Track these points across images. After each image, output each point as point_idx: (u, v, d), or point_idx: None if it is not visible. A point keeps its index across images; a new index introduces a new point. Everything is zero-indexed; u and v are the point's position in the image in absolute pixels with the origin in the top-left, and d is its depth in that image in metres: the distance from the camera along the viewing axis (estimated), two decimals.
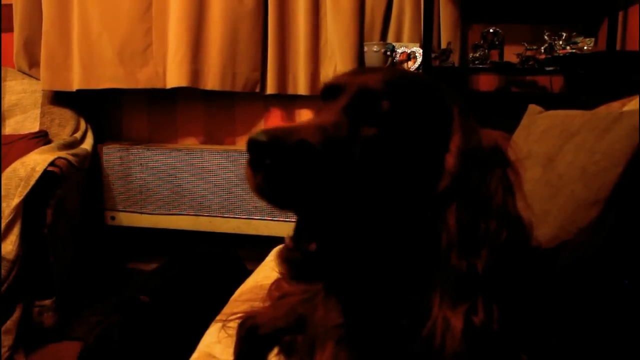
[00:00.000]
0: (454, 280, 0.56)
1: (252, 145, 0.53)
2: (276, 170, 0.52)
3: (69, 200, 2.32)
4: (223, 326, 1.10)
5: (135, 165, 2.60)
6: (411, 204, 0.58)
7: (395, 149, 0.57)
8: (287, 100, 2.66)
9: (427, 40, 2.14)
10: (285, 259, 0.58)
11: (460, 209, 0.57)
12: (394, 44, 2.41)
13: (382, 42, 2.46)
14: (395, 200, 0.58)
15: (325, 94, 0.65)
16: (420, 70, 2.30)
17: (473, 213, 0.57)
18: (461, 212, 0.57)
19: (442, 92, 0.64)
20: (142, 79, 2.59)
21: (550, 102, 1.47)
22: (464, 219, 0.57)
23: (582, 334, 0.70)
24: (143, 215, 2.60)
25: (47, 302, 2.16)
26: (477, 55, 2.23)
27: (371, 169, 0.56)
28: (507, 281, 0.57)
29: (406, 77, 0.64)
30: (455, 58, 2.35)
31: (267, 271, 1.38)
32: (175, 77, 2.51)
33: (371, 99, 0.59)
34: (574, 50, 2.07)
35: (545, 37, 2.12)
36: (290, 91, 2.56)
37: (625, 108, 1.20)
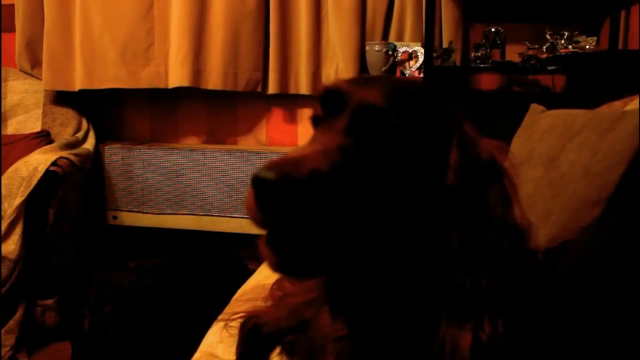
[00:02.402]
0: (460, 297, 0.56)
1: (259, 184, 0.49)
2: (289, 211, 0.49)
3: (71, 200, 2.32)
4: (225, 326, 1.10)
5: (137, 164, 2.60)
6: (415, 221, 0.58)
7: (402, 167, 0.56)
8: (288, 100, 2.66)
9: (429, 40, 2.13)
10: (270, 244, 0.53)
11: (461, 225, 0.57)
12: (395, 43, 2.41)
13: (383, 41, 2.46)
14: (398, 219, 0.57)
15: (324, 102, 0.62)
16: (422, 70, 2.30)
17: (474, 229, 0.57)
18: (462, 229, 0.57)
19: (441, 103, 0.63)
20: (144, 79, 2.60)
21: (552, 101, 1.47)
22: (465, 236, 0.57)
23: (584, 334, 0.70)
24: (145, 214, 2.60)
25: (49, 301, 2.17)
26: (479, 54, 2.23)
27: (379, 189, 0.55)
28: (510, 293, 0.57)
29: (407, 90, 0.62)
30: (456, 57, 2.35)
31: (269, 271, 1.37)
32: (177, 76, 2.51)
33: (375, 117, 0.57)
34: (576, 50, 2.06)
35: (547, 36, 2.11)
36: (292, 91, 2.56)
37: (628, 107, 1.20)
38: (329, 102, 0.62)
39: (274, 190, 0.48)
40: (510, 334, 0.55)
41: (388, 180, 0.55)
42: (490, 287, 0.56)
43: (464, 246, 0.56)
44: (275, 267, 0.54)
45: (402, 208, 0.56)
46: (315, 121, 0.64)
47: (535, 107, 1.48)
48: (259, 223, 0.52)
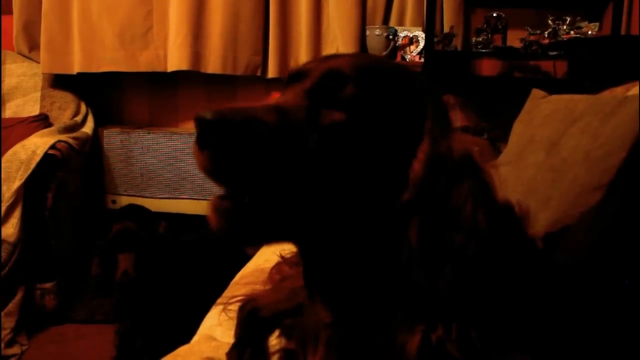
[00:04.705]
0: (415, 297, 0.54)
1: (198, 122, 0.50)
2: (219, 148, 0.50)
3: (70, 184, 2.32)
4: (224, 309, 1.09)
5: (136, 149, 2.59)
6: (371, 207, 0.55)
7: (358, 140, 0.54)
8: None
9: (430, 24, 2.12)
10: (216, 210, 0.54)
11: (423, 221, 0.54)
12: (396, 27, 2.40)
13: (384, 26, 2.44)
14: (353, 199, 0.55)
15: (290, 80, 0.61)
16: (423, 55, 2.28)
17: (437, 226, 0.54)
18: (424, 225, 0.54)
19: (417, 85, 0.60)
20: (143, 62, 2.58)
21: (553, 87, 1.46)
22: (426, 233, 0.53)
23: (579, 334, 0.69)
24: (144, 198, 2.59)
25: (48, 285, 2.18)
26: (480, 39, 2.21)
27: (329, 158, 0.53)
28: (474, 296, 0.54)
29: (379, 64, 0.60)
30: (458, 42, 2.34)
31: (268, 254, 1.37)
32: (176, 60, 2.49)
33: (336, 81, 0.56)
34: (578, 35, 2.05)
35: (549, 21, 2.10)
36: None
37: (630, 93, 1.19)
38: (294, 79, 0.61)
39: (208, 127, 0.50)
40: (465, 342, 0.53)
41: (340, 149, 0.54)
42: (449, 289, 0.53)
43: (424, 244, 0.53)
44: (218, 231, 0.55)
45: (354, 184, 0.54)
46: None
47: (536, 92, 1.47)
48: (199, 165, 0.52)
